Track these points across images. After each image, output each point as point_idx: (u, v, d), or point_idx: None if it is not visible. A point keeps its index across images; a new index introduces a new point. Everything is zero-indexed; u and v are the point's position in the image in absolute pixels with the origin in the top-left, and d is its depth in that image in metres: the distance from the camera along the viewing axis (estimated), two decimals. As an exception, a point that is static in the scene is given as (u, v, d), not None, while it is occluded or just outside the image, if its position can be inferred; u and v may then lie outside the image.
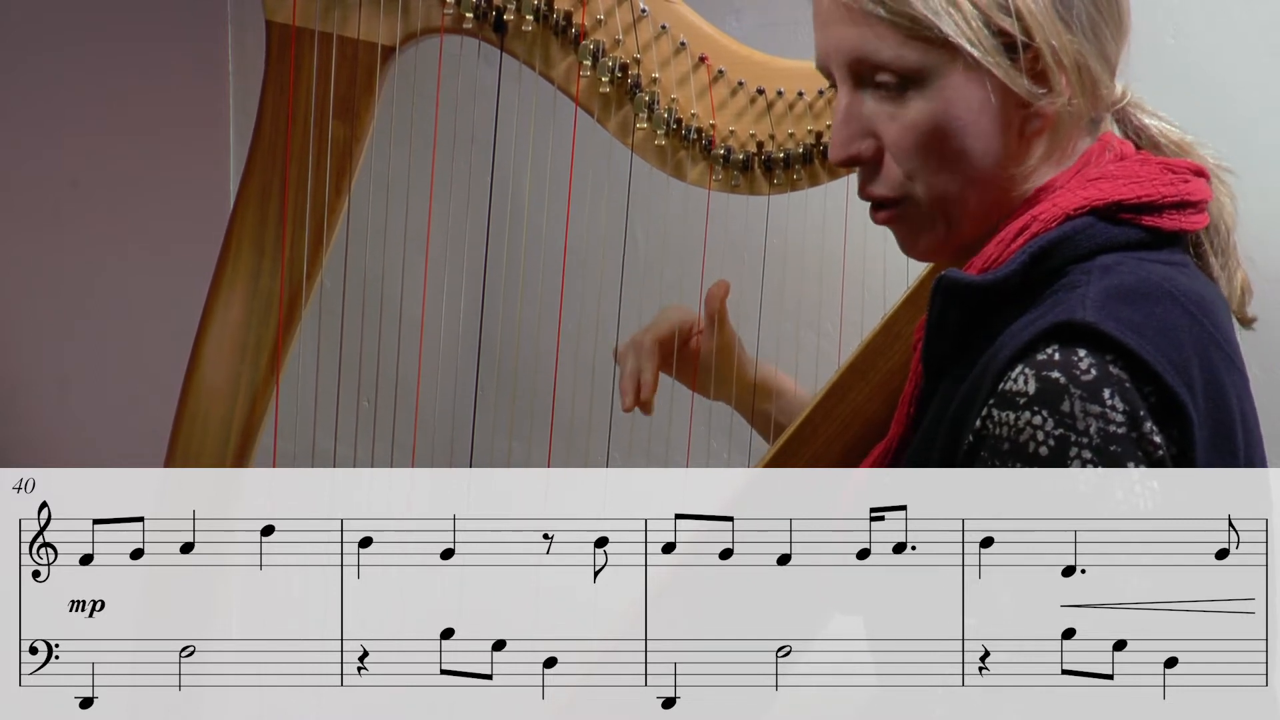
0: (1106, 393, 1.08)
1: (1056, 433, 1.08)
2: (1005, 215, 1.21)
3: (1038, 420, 1.08)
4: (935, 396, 1.21)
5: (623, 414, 1.58)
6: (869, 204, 1.25)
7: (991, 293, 1.16)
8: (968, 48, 1.15)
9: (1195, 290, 1.17)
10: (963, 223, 1.22)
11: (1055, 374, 1.09)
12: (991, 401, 1.11)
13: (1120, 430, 1.08)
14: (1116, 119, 1.27)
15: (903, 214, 1.23)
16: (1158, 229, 1.19)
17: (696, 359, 1.54)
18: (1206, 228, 1.24)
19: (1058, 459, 1.08)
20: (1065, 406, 1.08)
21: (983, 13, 1.15)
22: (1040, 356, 1.10)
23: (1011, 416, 1.09)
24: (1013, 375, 1.10)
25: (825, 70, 1.24)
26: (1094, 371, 1.09)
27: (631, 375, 1.49)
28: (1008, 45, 1.16)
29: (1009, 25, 1.15)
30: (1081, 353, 1.09)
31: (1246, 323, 1.28)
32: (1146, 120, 1.27)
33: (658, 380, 1.50)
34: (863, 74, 1.20)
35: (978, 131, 1.18)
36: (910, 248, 1.25)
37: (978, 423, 1.12)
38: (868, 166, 1.22)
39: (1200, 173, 1.23)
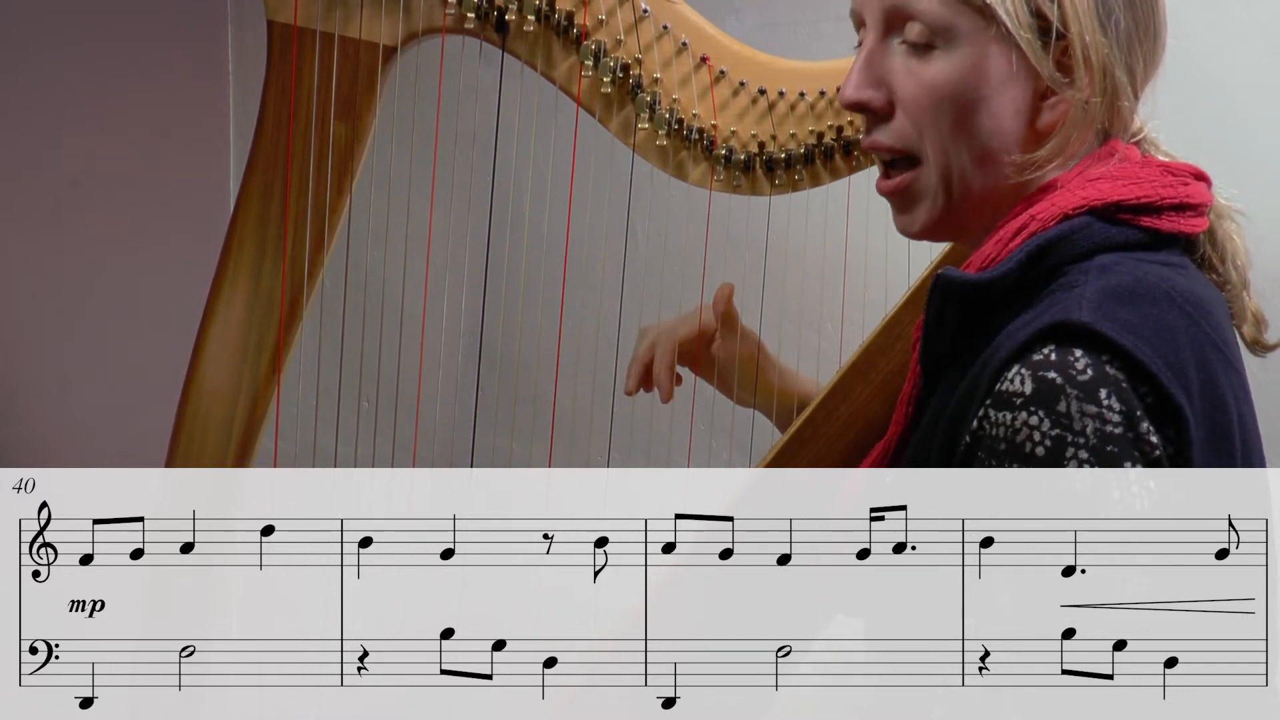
0: (1103, 393, 1.08)
1: (1053, 433, 1.08)
2: (1003, 207, 1.22)
3: (1034, 420, 1.08)
4: (934, 396, 1.21)
5: (623, 413, 1.58)
6: (878, 174, 1.25)
7: (989, 291, 1.16)
8: (1004, 17, 1.16)
9: (1193, 291, 1.17)
10: (963, 202, 1.22)
11: (1051, 374, 1.09)
12: (988, 402, 1.11)
13: (1117, 430, 1.08)
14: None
15: (908, 182, 1.23)
16: (1156, 230, 1.19)
17: (713, 364, 1.54)
18: (1222, 259, 1.24)
19: (1054, 459, 1.08)
20: (1061, 407, 1.08)
21: None
22: (1036, 357, 1.10)
23: (1008, 417, 1.09)
24: (1009, 375, 1.10)
25: (858, 16, 1.24)
26: (1090, 372, 1.09)
27: (639, 361, 1.50)
28: (1042, 29, 1.17)
29: (1048, 9, 1.16)
30: (1078, 353, 1.09)
31: (1267, 349, 1.28)
32: (1161, 160, 1.26)
33: (673, 374, 1.51)
34: (895, 23, 1.21)
35: (993, 107, 1.19)
36: (907, 222, 1.25)
37: (974, 423, 1.12)
38: (874, 116, 1.23)
39: (1201, 176, 1.24)
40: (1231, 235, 1.26)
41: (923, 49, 1.19)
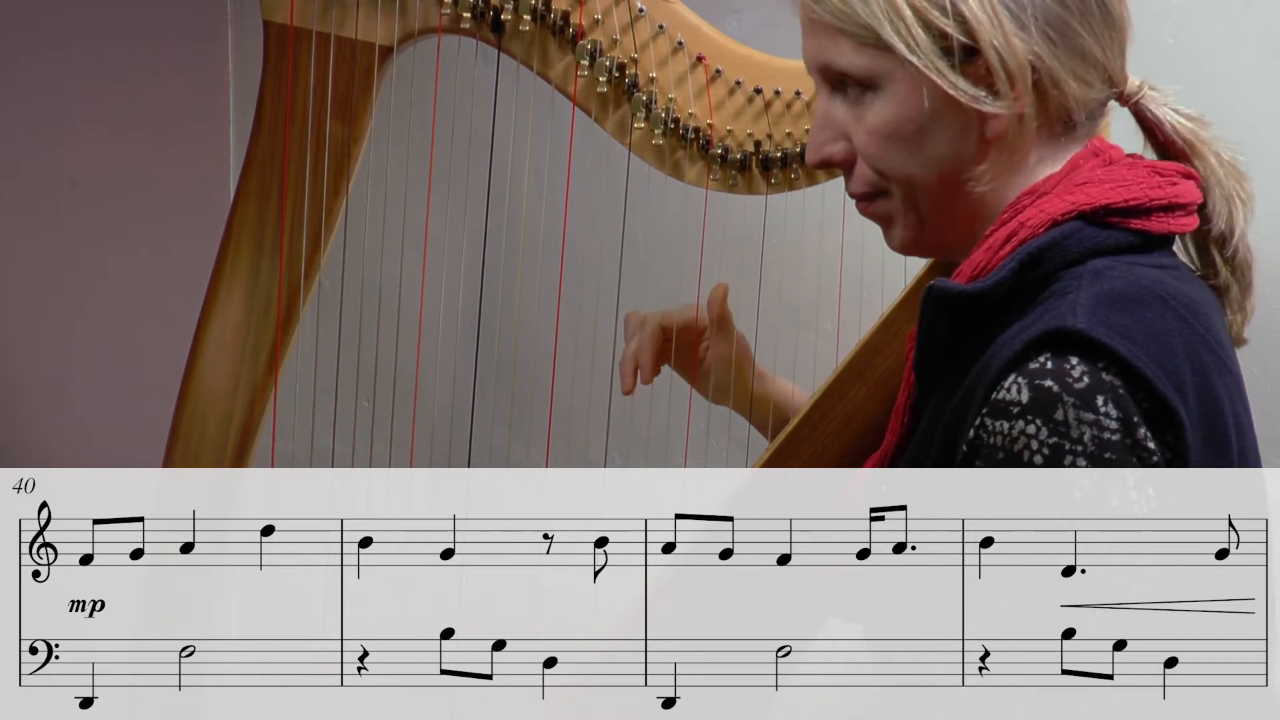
0: (1100, 400, 1.08)
1: (1051, 441, 1.08)
2: (979, 217, 1.22)
3: (1031, 429, 1.08)
4: (929, 405, 1.21)
5: (622, 412, 1.58)
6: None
7: (981, 300, 1.16)
8: (904, 52, 1.16)
9: (1186, 293, 1.17)
10: (935, 219, 1.22)
11: (1048, 383, 1.09)
12: (985, 411, 1.10)
13: (1114, 437, 1.08)
14: (1134, 113, 1.25)
15: (879, 207, 1.24)
16: (1146, 232, 1.18)
17: (698, 362, 1.54)
18: (1219, 243, 1.23)
19: (1052, 467, 1.08)
20: (1059, 415, 1.08)
21: (921, 17, 1.16)
22: (1033, 365, 1.10)
23: (1005, 426, 1.09)
24: (1005, 384, 1.10)
25: (812, 77, 1.25)
26: (1086, 379, 1.09)
27: (631, 357, 1.50)
28: (947, 49, 1.16)
29: (949, 28, 1.15)
30: (1074, 360, 1.09)
31: (1238, 344, 1.27)
32: (1161, 115, 1.24)
33: (656, 366, 1.51)
34: (831, 80, 1.22)
35: (935, 133, 1.19)
36: (890, 240, 1.26)
37: (971, 432, 1.11)
38: (845, 167, 1.24)
39: (1189, 175, 1.23)
40: (1234, 193, 1.24)
41: (858, 97, 1.20)
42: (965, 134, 1.19)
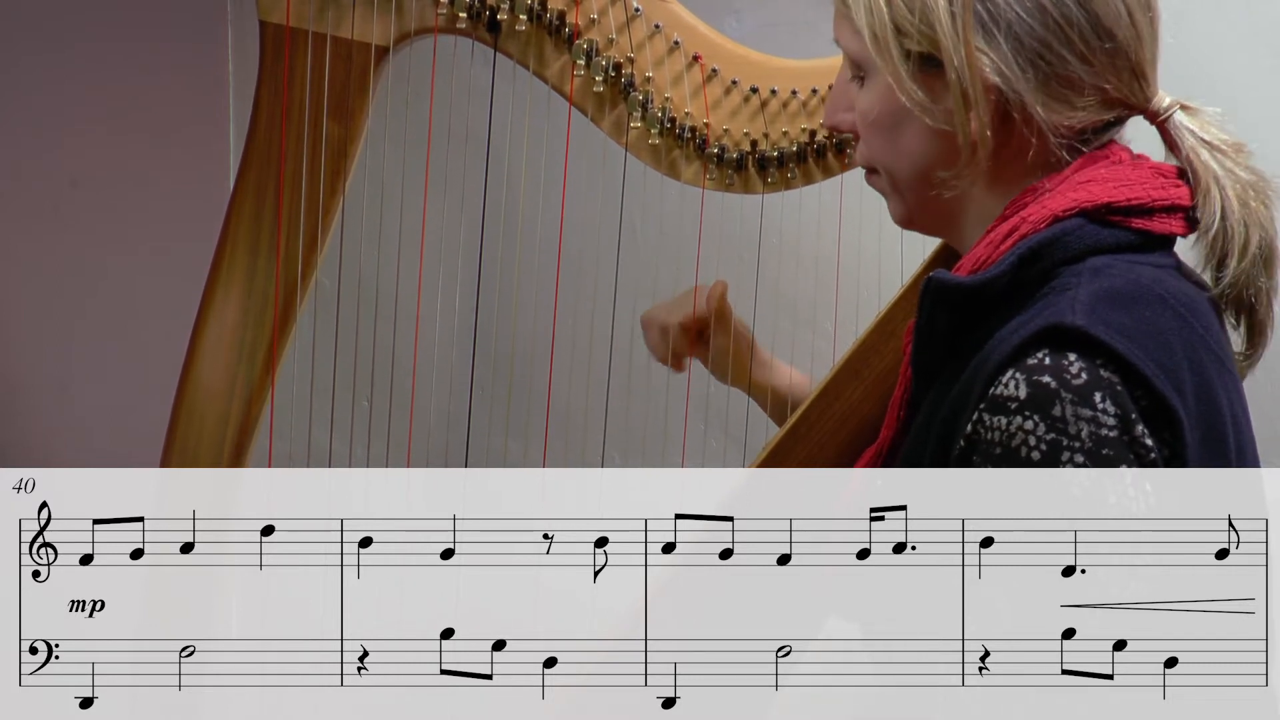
0: (1097, 397, 1.08)
1: (1048, 437, 1.08)
2: (965, 212, 1.23)
3: (1029, 425, 1.08)
4: (926, 399, 1.20)
5: (619, 412, 1.58)
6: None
7: (980, 294, 1.16)
8: (871, 48, 1.18)
9: (1185, 293, 1.17)
10: (917, 208, 1.24)
11: (1046, 378, 1.08)
12: (982, 406, 1.10)
13: (1112, 434, 1.08)
14: (1160, 133, 1.23)
15: (874, 181, 1.27)
16: (1148, 231, 1.18)
17: (698, 349, 1.56)
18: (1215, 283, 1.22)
19: (1050, 464, 1.08)
20: (1056, 411, 1.08)
21: (895, 19, 1.17)
22: (1031, 361, 1.10)
23: (1003, 421, 1.09)
24: (1003, 380, 1.10)
25: None
26: (1085, 376, 1.08)
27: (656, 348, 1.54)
28: (907, 53, 1.17)
29: (916, 35, 1.16)
30: (1072, 357, 1.09)
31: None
32: (1179, 139, 1.22)
33: (669, 350, 1.54)
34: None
35: (907, 130, 1.20)
36: (889, 211, 1.28)
37: (969, 427, 1.11)
38: (853, 137, 1.27)
39: None
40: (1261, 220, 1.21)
41: (858, 79, 1.23)
42: (936, 136, 1.19)
